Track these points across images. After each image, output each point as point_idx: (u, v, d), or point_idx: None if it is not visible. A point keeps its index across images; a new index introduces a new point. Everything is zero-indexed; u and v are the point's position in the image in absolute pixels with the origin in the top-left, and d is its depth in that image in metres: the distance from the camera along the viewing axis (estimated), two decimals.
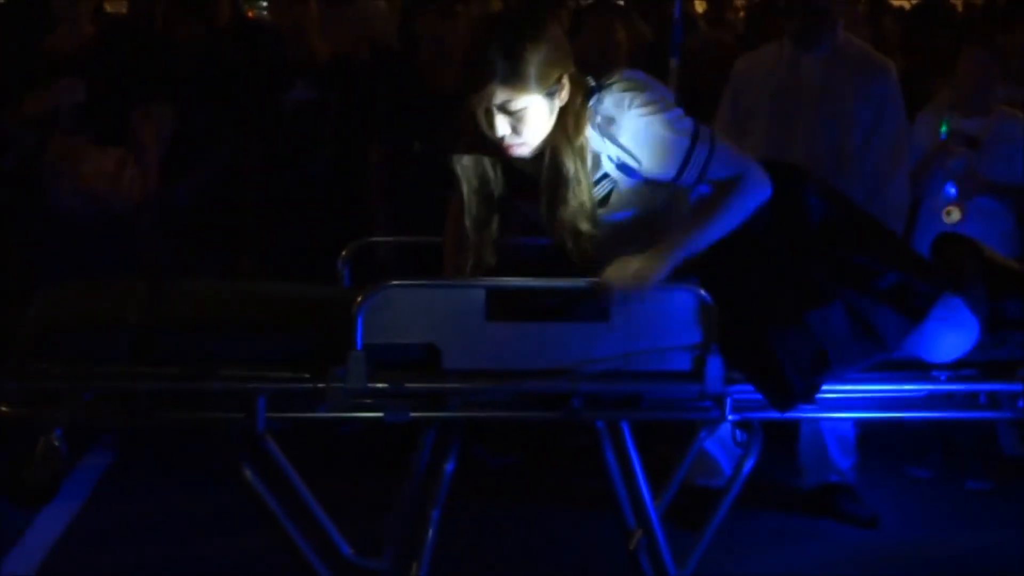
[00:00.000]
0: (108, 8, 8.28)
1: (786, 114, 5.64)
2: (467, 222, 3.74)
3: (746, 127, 5.69)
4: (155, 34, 7.24)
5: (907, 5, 10.41)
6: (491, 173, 3.71)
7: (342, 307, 3.40)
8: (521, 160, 3.61)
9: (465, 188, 3.73)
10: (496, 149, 3.60)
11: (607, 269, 3.50)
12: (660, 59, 6.60)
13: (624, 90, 3.55)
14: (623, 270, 3.48)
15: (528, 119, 3.51)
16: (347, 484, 4.95)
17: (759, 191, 3.58)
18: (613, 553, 3.92)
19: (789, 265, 3.60)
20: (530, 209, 3.72)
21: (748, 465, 3.74)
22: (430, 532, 3.78)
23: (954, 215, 6.16)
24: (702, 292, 3.47)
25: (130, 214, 6.28)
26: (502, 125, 3.50)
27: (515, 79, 3.46)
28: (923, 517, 6.00)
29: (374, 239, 4.52)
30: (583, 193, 3.55)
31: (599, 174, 3.59)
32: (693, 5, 10.46)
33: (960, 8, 10.61)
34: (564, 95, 3.52)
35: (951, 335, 3.58)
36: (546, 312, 3.51)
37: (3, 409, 3.42)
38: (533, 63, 3.46)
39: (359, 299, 3.36)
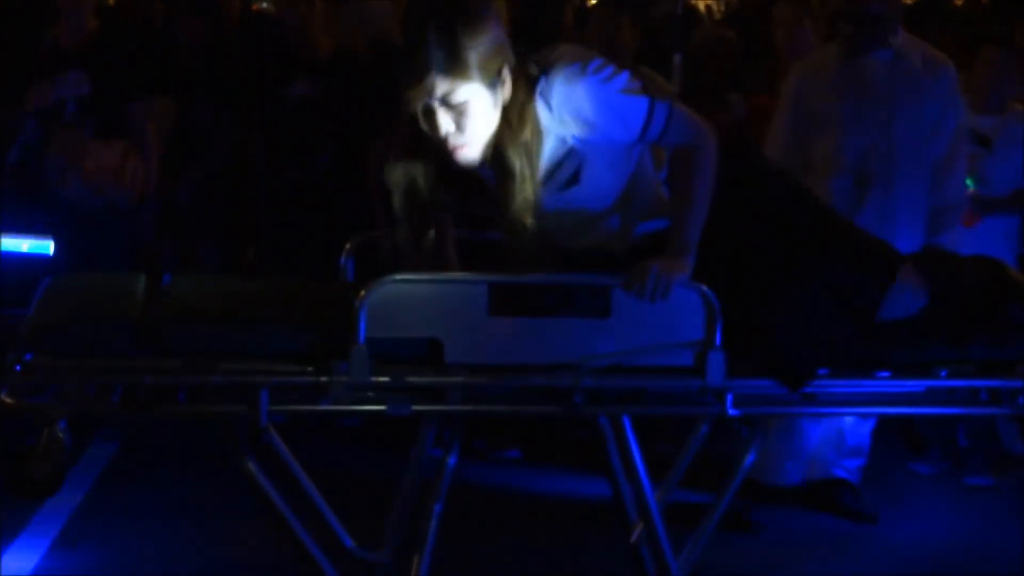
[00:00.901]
0: (110, 1, 8.26)
1: (855, 115, 5.59)
2: (403, 233, 3.72)
3: (809, 132, 5.68)
4: (158, 28, 7.25)
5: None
6: (421, 181, 3.66)
7: (345, 301, 3.41)
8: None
9: (397, 199, 3.71)
10: (436, 154, 3.56)
11: (632, 273, 3.48)
12: (665, 55, 6.62)
13: (570, 63, 3.50)
14: (647, 272, 3.46)
15: (471, 113, 3.45)
16: (349, 477, 4.96)
17: (714, 152, 3.60)
18: (613, 546, 3.93)
19: (770, 246, 3.63)
20: (472, 205, 3.73)
21: (749, 459, 3.73)
22: (432, 525, 3.79)
23: (968, 220, 6.17)
24: (703, 287, 3.47)
25: (133, 207, 6.28)
26: (445, 121, 3.45)
27: (455, 67, 3.40)
28: (923, 513, 6.03)
29: (377, 233, 4.52)
30: (528, 189, 3.50)
31: (563, 154, 3.56)
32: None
33: (959, 3, 10.63)
34: (507, 89, 3.47)
35: (905, 295, 3.61)
36: (547, 307, 3.50)
37: (7, 401, 3.42)
38: (472, 49, 3.40)
39: (361, 294, 3.36)
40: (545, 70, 3.51)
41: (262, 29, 7.34)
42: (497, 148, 3.50)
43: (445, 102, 3.43)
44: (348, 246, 4.10)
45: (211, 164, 6.81)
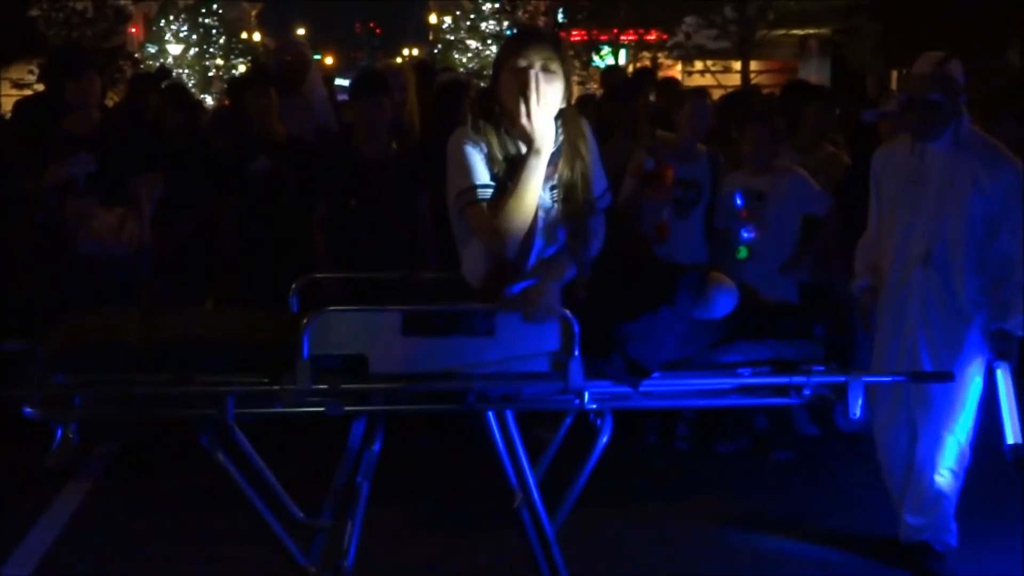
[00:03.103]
0: (112, 100, 8.18)
1: (914, 201, 4.86)
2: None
3: (884, 213, 5.02)
4: (150, 118, 7.20)
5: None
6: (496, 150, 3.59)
7: (293, 327, 3.42)
8: None
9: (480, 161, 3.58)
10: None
11: (518, 297, 3.48)
12: None
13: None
14: (526, 297, 3.48)
15: (554, 87, 3.49)
16: (299, 465, 4.94)
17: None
18: (498, 511, 3.94)
19: (622, 283, 3.69)
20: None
21: (601, 443, 3.73)
22: (361, 497, 3.81)
23: (742, 252, 6.28)
24: (565, 311, 3.46)
25: (131, 257, 6.24)
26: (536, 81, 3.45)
27: (560, 47, 3.52)
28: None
29: (317, 275, 4.51)
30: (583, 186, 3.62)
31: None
32: None
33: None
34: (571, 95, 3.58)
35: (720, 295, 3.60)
36: (448, 328, 3.49)
37: (31, 410, 3.40)
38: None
39: (305, 321, 3.37)
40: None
41: (229, 118, 7.33)
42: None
43: (546, 67, 3.47)
44: (294, 286, 4.10)
45: (192, 223, 6.77)
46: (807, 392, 3.66)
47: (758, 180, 6.35)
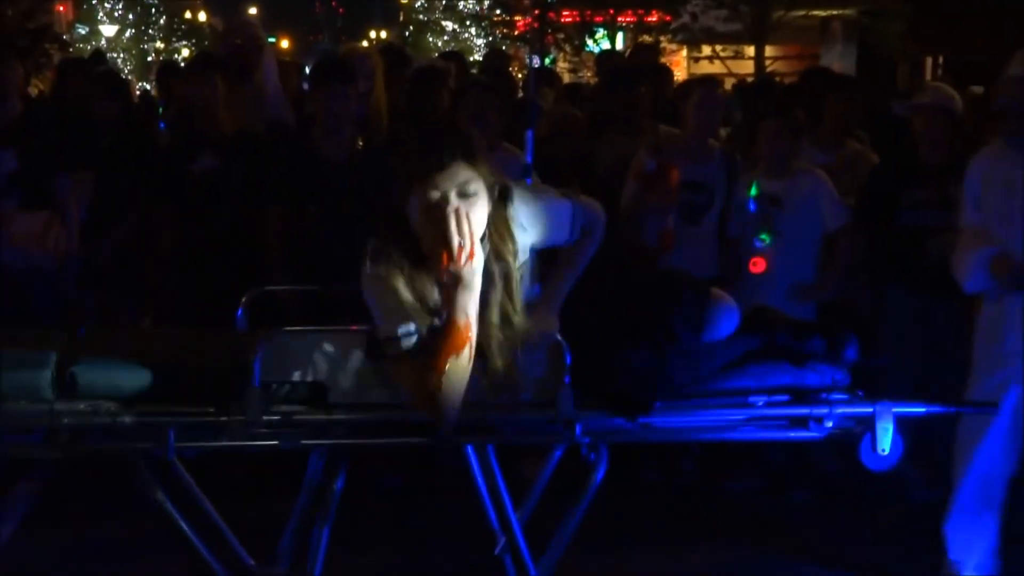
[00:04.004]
0: (35, 90, 8.16)
1: (1008, 208, 4.96)
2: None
3: (985, 222, 5.08)
4: (76, 110, 7.17)
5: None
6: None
7: (242, 349, 3.41)
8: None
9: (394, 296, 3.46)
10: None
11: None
12: (517, 132, 6.69)
13: (517, 181, 3.66)
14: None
15: (478, 207, 3.36)
16: (249, 504, 4.91)
17: (603, 227, 3.73)
18: (479, 557, 3.94)
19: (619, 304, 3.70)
20: None
21: (595, 481, 3.72)
22: (322, 543, 3.79)
23: (760, 265, 6.29)
24: (557, 336, 3.49)
25: (56, 268, 6.22)
26: (456, 215, 3.30)
27: (474, 159, 3.38)
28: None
29: (272, 287, 4.50)
30: (507, 293, 3.51)
31: (521, 261, 3.59)
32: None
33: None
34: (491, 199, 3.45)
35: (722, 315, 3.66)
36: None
37: None
38: (480, 151, 3.43)
39: (256, 343, 3.37)
40: (504, 188, 3.49)
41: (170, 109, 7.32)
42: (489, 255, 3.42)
43: (463, 192, 3.34)
44: (244, 299, 4.09)
45: (125, 229, 6.75)
46: (830, 424, 3.67)
47: (775, 183, 6.36)
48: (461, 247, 3.30)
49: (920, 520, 5.40)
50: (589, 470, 3.75)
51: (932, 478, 5.76)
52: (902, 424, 3.70)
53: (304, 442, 3.53)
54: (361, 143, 6.43)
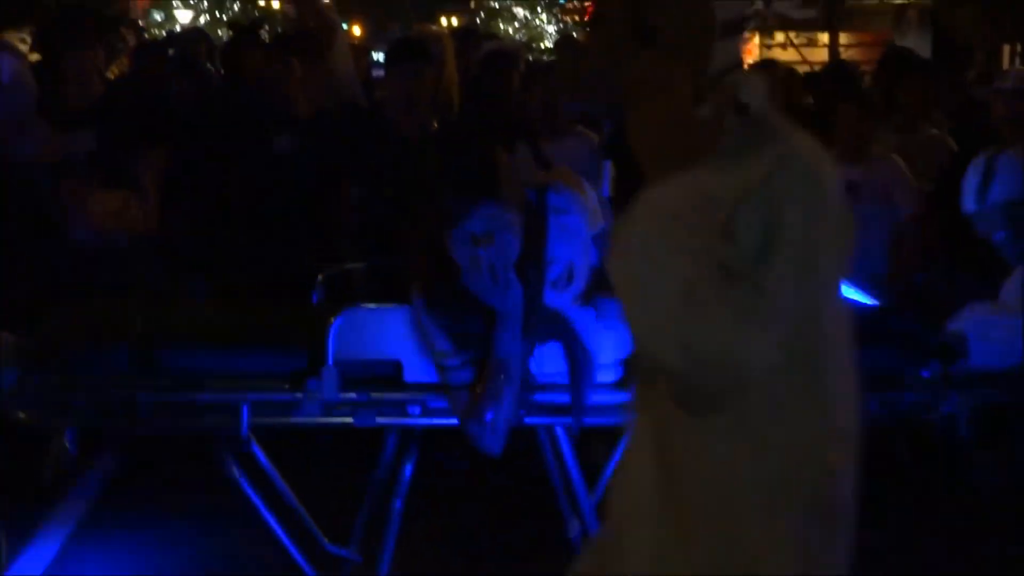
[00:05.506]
0: (112, 73, 8.22)
1: None
2: None
3: None
4: (153, 91, 7.21)
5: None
6: None
7: (318, 326, 3.40)
8: None
9: None
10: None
11: None
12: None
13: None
14: None
15: (506, 251, 3.27)
16: (324, 482, 4.91)
17: None
18: (551, 542, 3.91)
19: None
20: None
21: None
22: (393, 524, 3.77)
23: None
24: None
25: (132, 245, 6.27)
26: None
27: (499, 193, 3.26)
28: None
29: (348, 266, 4.48)
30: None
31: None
32: None
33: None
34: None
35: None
36: None
37: (21, 416, 3.40)
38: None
39: (331, 320, 3.35)
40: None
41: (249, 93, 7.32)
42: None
43: (487, 239, 3.23)
44: (320, 278, 4.07)
45: (200, 207, 6.77)
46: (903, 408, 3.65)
47: (851, 169, 6.26)
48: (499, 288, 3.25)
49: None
50: None
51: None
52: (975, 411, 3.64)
53: (379, 420, 3.50)
54: (436, 125, 6.41)
